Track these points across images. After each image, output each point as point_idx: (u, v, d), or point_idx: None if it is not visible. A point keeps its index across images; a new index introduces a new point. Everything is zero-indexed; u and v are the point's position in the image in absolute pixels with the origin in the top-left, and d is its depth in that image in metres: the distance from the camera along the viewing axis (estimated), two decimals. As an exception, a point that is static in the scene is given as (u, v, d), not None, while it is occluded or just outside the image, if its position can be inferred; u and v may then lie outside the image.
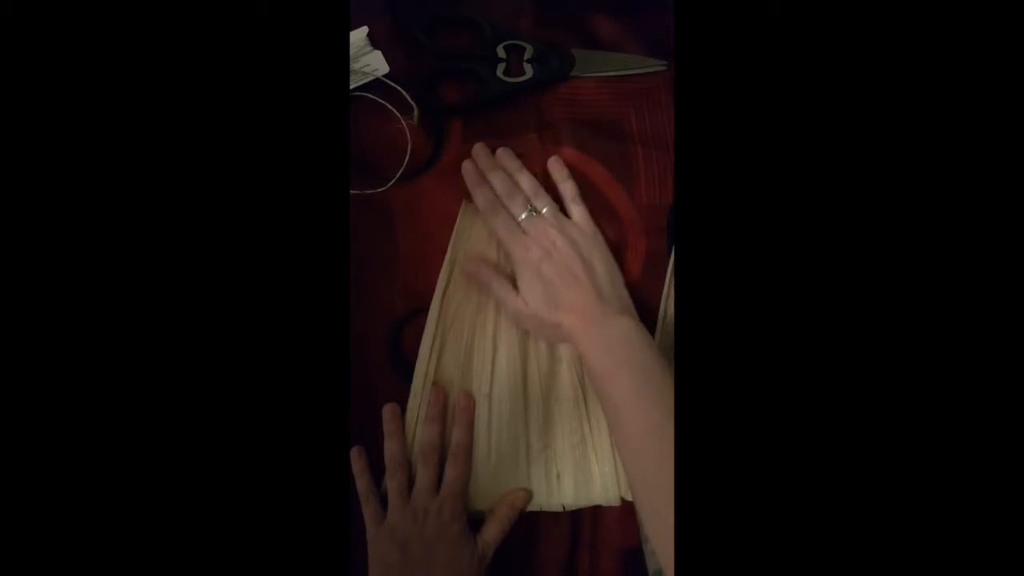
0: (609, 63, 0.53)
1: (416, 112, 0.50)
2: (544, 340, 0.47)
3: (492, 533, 0.44)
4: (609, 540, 0.46)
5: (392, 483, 0.44)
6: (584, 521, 0.46)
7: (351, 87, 0.49)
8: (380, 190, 0.49)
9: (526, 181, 0.48)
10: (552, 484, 0.46)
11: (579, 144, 0.51)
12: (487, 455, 0.45)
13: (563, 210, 0.48)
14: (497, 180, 0.48)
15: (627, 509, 0.46)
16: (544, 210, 0.47)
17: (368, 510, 0.44)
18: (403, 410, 0.46)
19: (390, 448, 0.45)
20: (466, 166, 0.49)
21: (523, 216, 0.47)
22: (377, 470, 0.45)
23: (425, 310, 0.47)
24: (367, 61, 0.51)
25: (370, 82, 0.50)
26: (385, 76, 0.50)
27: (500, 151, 0.49)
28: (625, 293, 0.46)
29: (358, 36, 0.51)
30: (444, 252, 0.48)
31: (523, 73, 0.51)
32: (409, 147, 0.50)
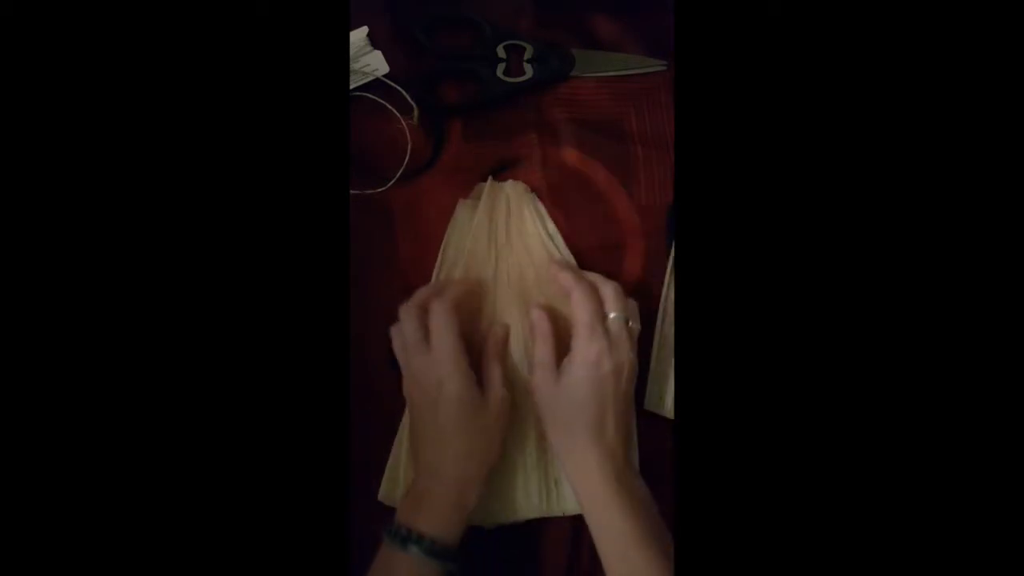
0: (609, 63, 0.53)
1: (416, 112, 0.50)
2: (544, 422, 0.44)
3: (493, 378, 0.43)
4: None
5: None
6: (585, 527, 0.46)
7: (351, 87, 0.49)
8: (380, 190, 0.49)
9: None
10: (552, 491, 0.46)
11: (579, 144, 0.51)
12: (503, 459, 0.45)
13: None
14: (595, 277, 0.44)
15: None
16: (630, 323, 0.43)
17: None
18: (401, 410, 0.46)
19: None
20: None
21: (613, 315, 0.42)
22: (374, 469, 0.45)
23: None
24: (367, 61, 0.50)
25: (370, 82, 0.50)
26: (385, 76, 0.50)
27: None
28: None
29: (358, 36, 0.51)
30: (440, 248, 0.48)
31: (523, 73, 0.51)
32: (409, 147, 0.50)
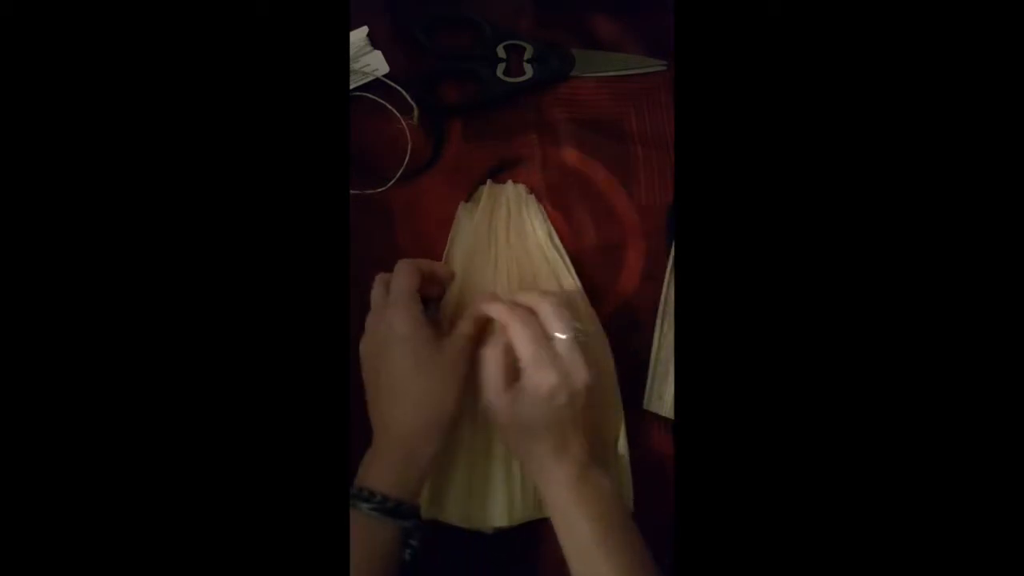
0: (609, 63, 0.53)
1: (416, 112, 0.50)
2: (502, 441, 0.43)
3: (463, 326, 0.41)
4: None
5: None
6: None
7: (351, 87, 0.49)
8: (380, 190, 0.49)
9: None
10: None
11: (579, 144, 0.51)
12: (483, 464, 0.44)
13: None
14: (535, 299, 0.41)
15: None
16: (578, 335, 0.39)
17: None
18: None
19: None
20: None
21: (557, 335, 0.38)
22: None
23: (439, 296, 0.47)
24: (367, 61, 0.51)
25: (370, 82, 0.50)
26: (385, 76, 0.50)
27: None
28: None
29: (358, 36, 0.51)
30: (444, 252, 0.48)
31: (523, 73, 0.51)
32: (409, 147, 0.50)
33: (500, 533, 0.44)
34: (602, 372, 0.45)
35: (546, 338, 0.38)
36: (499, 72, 0.51)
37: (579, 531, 0.37)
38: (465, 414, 0.45)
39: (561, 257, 0.48)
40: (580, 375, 0.38)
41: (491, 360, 0.39)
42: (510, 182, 0.50)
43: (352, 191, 0.48)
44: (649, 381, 0.47)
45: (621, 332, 0.47)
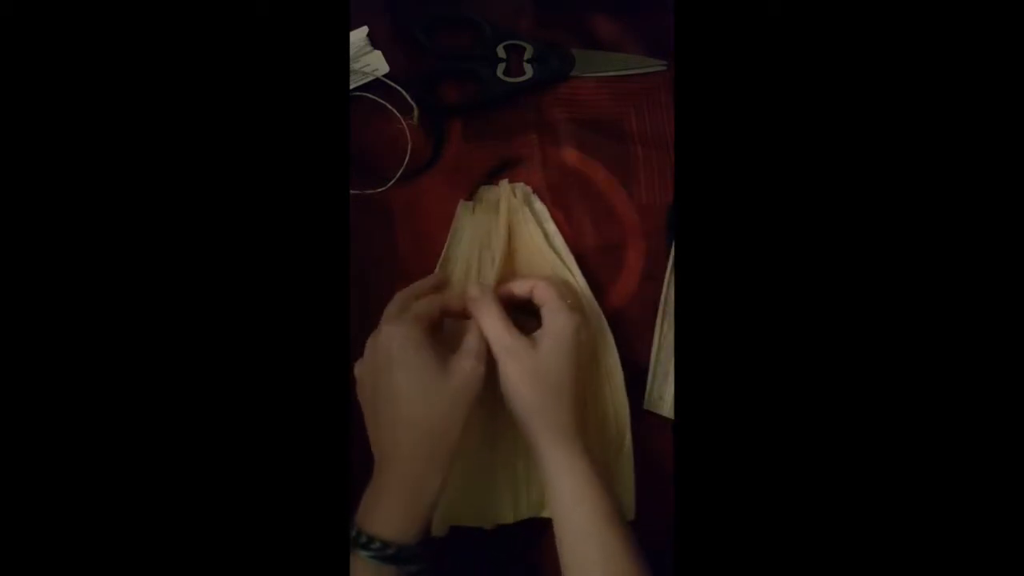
0: (609, 63, 0.53)
1: (416, 112, 0.50)
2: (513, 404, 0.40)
3: (468, 340, 0.38)
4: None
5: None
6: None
7: (351, 87, 0.49)
8: (380, 190, 0.49)
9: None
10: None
11: (579, 144, 0.51)
12: (487, 462, 0.44)
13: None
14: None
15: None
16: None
17: None
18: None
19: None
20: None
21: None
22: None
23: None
24: (367, 61, 0.51)
25: (370, 82, 0.50)
26: (385, 76, 0.50)
27: None
28: None
29: (358, 36, 0.51)
30: (442, 251, 0.48)
31: (523, 73, 0.51)
32: (409, 147, 0.50)
33: (500, 530, 0.44)
34: (609, 371, 0.45)
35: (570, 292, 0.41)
36: (499, 72, 0.51)
37: (586, 498, 0.37)
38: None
39: (564, 257, 0.48)
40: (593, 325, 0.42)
41: (494, 316, 0.39)
42: (510, 181, 0.50)
43: (352, 191, 0.48)
44: (649, 381, 0.47)
45: (621, 332, 0.47)
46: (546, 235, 0.48)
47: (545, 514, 0.45)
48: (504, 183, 0.50)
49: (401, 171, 0.49)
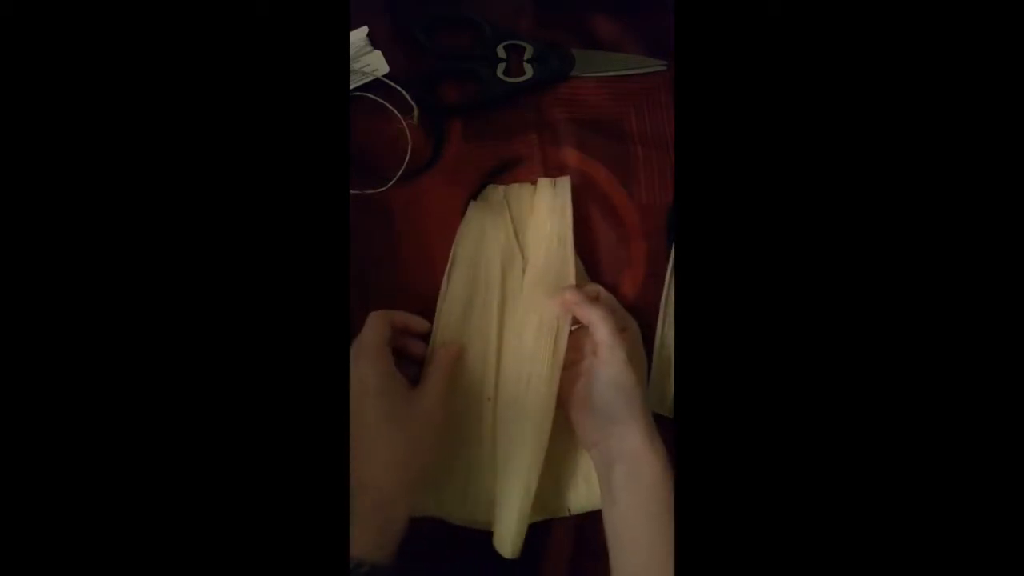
0: (609, 63, 0.53)
1: (416, 112, 0.50)
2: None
3: (432, 379, 0.42)
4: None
5: None
6: (586, 526, 0.46)
7: (351, 87, 0.49)
8: (380, 190, 0.49)
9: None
10: (555, 488, 0.45)
11: (579, 144, 0.51)
12: (490, 461, 0.45)
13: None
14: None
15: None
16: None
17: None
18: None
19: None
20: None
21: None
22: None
23: (425, 311, 0.47)
24: (367, 61, 0.51)
25: (370, 82, 0.50)
26: (385, 76, 0.50)
27: None
28: None
29: (358, 36, 0.51)
30: (444, 252, 0.48)
31: (523, 73, 0.51)
32: (409, 147, 0.50)
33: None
34: (640, 367, 0.46)
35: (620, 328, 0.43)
36: (499, 72, 0.51)
37: (648, 474, 0.39)
38: (469, 410, 0.45)
39: (568, 255, 0.47)
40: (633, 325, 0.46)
41: (599, 312, 0.42)
42: (498, 188, 0.50)
43: (352, 191, 0.48)
44: (650, 381, 0.47)
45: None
46: (557, 236, 0.48)
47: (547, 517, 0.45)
48: (515, 184, 0.50)
49: (401, 171, 0.49)
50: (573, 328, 0.44)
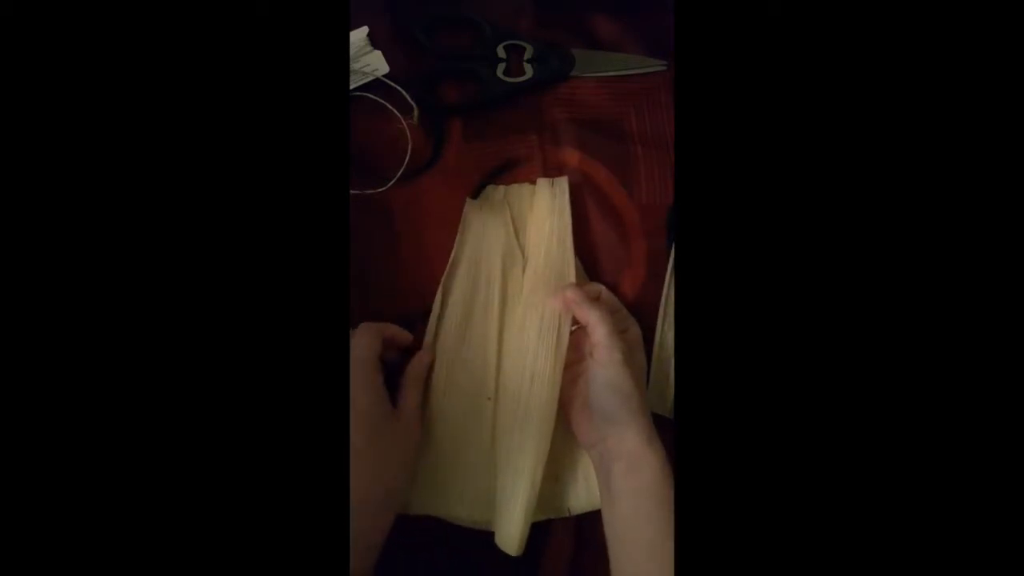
0: (609, 63, 0.53)
1: (416, 112, 0.50)
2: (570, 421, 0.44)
3: (408, 396, 0.43)
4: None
5: None
6: (585, 527, 0.46)
7: (351, 87, 0.49)
8: (380, 190, 0.49)
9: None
10: (556, 489, 0.46)
11: (579, 144, 0.51)
12: (490, 461, 0.45)
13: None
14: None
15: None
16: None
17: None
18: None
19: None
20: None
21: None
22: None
23: (426, 311, 0.47)
24: (367, 61, 0.51)
25: (370, 82, 0.50)
26: (385, 76, 0.50)
27: None
28: None
29: (358, 36, 0.51)
30: (444, 252, 0.48)
31: (523, 73, 0.51)
32: (409, 147, 0.50)
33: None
34: (639, 368, 0.46)
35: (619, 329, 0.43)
36: (499, 72, 0.51)
37: (647, 473, 0.39)
38: (469, 410, 0.45)
39: (567, 256, 0.47)
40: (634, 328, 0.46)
41: (598, 312, 0.42)
42: (498, 188, 0.50)
43: (352, 191, 0.48)
44: (649, 381, 0.47)
45: (621, 332, 0.47)
46: (557, 237, 0.48)
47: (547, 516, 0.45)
48: (515, 184, 0.50)
49: (401, 171, 0.49)
50: (573, 328, 0.44)
